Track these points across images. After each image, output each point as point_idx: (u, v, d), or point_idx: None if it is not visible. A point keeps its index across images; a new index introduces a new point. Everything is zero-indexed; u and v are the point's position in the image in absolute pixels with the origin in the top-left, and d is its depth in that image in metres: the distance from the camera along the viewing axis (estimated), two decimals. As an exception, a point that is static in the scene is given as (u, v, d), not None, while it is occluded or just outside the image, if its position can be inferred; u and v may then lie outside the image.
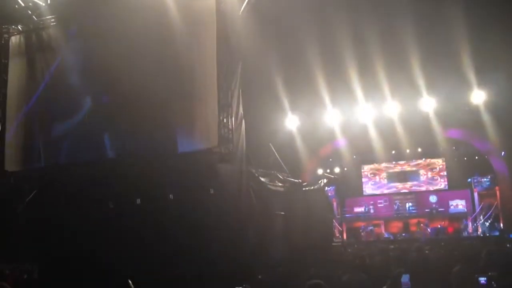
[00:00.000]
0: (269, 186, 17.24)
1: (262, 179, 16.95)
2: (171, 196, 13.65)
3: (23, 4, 15.70)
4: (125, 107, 14.57)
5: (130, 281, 6.27)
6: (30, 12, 15.78)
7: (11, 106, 16.06)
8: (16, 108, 16.03)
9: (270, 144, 18.81)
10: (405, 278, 8.33)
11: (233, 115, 15.19)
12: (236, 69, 15.55)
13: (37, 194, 14.73)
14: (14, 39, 16.29)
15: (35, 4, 15.73)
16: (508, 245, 15.41)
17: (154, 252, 13.05)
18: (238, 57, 15.66)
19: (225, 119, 14.77)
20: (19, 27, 16.25)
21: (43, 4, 15.72)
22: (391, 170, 27.80)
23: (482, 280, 7.16)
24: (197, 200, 13.62)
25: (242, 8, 15.01)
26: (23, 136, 15.87)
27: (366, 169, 27.96)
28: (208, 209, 13.83)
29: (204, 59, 14.50)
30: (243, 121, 15.74)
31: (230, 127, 14.90)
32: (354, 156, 26.03)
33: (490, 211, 24.05)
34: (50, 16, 15.76)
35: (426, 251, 13.30)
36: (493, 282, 7.12)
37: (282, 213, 17.61)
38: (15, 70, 16.17)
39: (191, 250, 13.02)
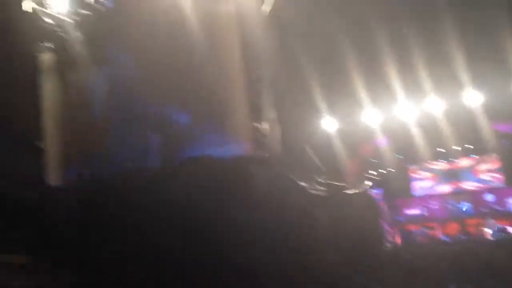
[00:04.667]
0: (310, 190, 16.95)
1: (302, 184, 16.70)
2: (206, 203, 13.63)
3: (53, 22, 16.27)
4: (161, 117, 14.82)
5: None
6: (60, 30, 16.28)
7: (48, 122, 16.58)
8: (53, 124, 16.53)
9: (307, 147, 18.55)
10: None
11: (266, 119, 15.14)
12: (264, 73, 15.51)
13: (82, 205, 15.12)
14: (45, 57, 16.85)
15: (65, 22, 16.26)
16: None
17: (187, 258, 13.11)
18: (267, 60, 15.61)
19: (258, 124, 14.79)
20: (50, 45, 16.76)
21: (72, 22, 16.23)
22: (440, 169, 26.75)
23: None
24: (232, 208, 13.56)
25: (269, 10, 14.98)
26: (63, 149, 16.36)
27: (414, 169, 27.01)
28: (244, 217, 13.74)
29: (228, 63, 14.51)
30: (277, 124, 15.64)
31: (263, 131, 14.86)
32: (400, 156, 25.26)
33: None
34: (78, 34, 16.22)
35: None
36: None
37: (326, 218, 17.31)
38: (49, 86, 16.72)
39: (231, 257, 12.95)
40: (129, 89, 15.02)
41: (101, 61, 15.50)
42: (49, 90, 16.35)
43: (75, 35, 15.80)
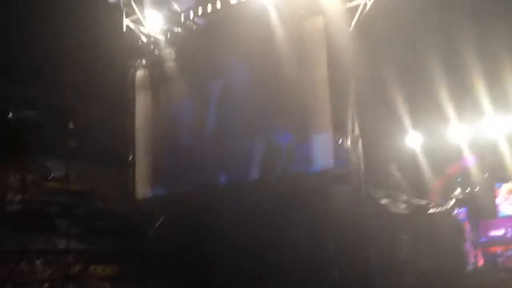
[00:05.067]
0: (391, 209, 16.56)
1: (383, 201, 16.31)
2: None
3: (145, 40, 16.92)
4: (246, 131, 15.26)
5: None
6: (152, 47, 16.90)
7: (139, 137, 17.20)
8: (144, 139, 17.11)
9: (391, 163, 18.05)
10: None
11: (349, 134, 14.89)
12: (349, 88, 15.27)
13: (167, 220, 15.68)
14: (139, 73, 17.49)
15: (156, 39, 16.84)
16: None
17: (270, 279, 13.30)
18: (350, 75, 15.38)
19: (340, 139, 14.52)
20: (143, 62, 17.41)
21: (163, 39, 16.76)
22: (529, 188, 25.30)
23: None
24: (313, 223, 13.53)
25: (353, 25, 14.76)
26: (153, 164, 16.77)
27: (501, 187, 25.66)
28: (325, 233, 13.70)
29: (315, 79, 14.51)
30: (360, 140, 15.32)
31: (346, 147, 14.56)
32: (486, 174, 24.01)
33: None
34: (169, 50, 16.75)
35: None
36: None
37: (407, 237, 16.80)
38: (141, 102, 17.38)
39: (308, 277, 13.01)
40: (233, 102, 15.45)
41: (195, 76, 16.07)
42: (142, 105, 17.06)
43: (168, 52, 16.42)
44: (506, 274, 19.50)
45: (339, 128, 14.44)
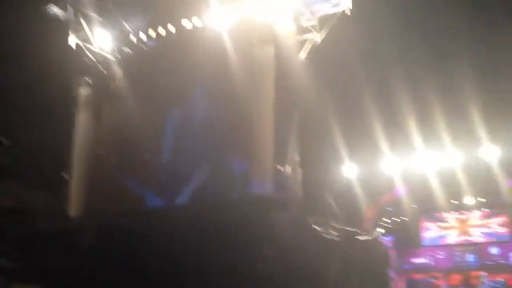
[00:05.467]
0: (324, 235, 17.01)
1: (317, 227, 16.75)
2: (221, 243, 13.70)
3: (93, 58, 16.62)
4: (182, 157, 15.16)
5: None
6: (99, 66, 16.60)
7: (79, 153, 16.66)
8: (83, 156, 16.61)
9: (326, 192, 18.60)
10: None
11: (289, 162, 15.21)
12: (293, 116, 15.66)
13: (101, 237, 15.18)
14: (83, 90, 17.06)
15: (105, 58, 16.60)
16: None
17: None
18: (295, 103, 15.78)
19: (281, 166, 14.84)
20: (89, 79, 17.00)
21: (113, 59, 16.56)
22: (451, 220, 26.75)
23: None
24: (251, 248, 13.59)
25: (302, 56, 15.18)
26: (89, 183, 16.37)
27: (426, 218, 27.00)
28: (261, 258, 13.76)
29: (262, 106, 14.73)
30: (299, 168, 15.70)
31: (286, 174, 14.88)
32: (413, 205, 25.23)
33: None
34: (117, 68, 16.50)
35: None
36: None
37: (337, 262, 17.30)
38: (83, 121, 16.90)
39: None
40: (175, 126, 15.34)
41: (140, 97, 15.82)
42: (84, 124, 16.55)
43: (116, 72, 16.14)
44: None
45: (281, 154, 14.79)
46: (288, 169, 15.12)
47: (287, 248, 14.23)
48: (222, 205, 14.21)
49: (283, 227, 14.26)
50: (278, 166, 14.75)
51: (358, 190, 22.66)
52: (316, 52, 15.26)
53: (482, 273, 24.63)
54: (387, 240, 24.16)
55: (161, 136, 15.56)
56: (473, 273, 25.00)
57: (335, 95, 17.28)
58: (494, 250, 25.53)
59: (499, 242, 25.72)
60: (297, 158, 15.79)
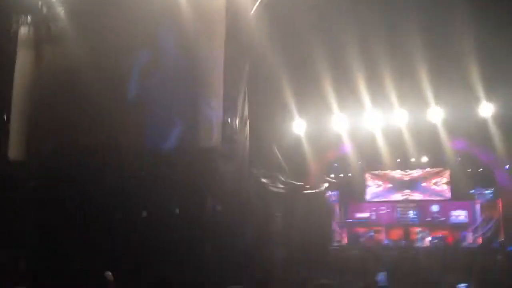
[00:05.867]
0: (270, 187, 17.39)
1: (264, 180, 17.10)
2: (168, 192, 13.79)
3: None
4: (129, 104, 14.76)
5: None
6: (40, 3, 15.64)
7: (16, 96, 15.85)
8: (21, 98, 15.82)
9: (274, 146, 18.88)
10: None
11: (238, 115, 15.36)
12: (244, 70, 15.70)
13: (40, 183, 14.80)
14: (22, 30, 16.13)
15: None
16: (499, 257, 15.52)
17: (146, 249, 13.19)
18: (246, 57, 15.80)
19: (229, 119, 15.01)
20: (28, 18, 16.05)
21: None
22: (395, 178, 27.69)
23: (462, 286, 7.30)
24: (196, 198, 13.78)
25: (254, 9, 15.08)
26: (27, 125, 15.71)
27: (370, 175, 27.86)
28: (206, 208, 13.99)
29: (212, 58, 14.50)
30: (248, 122, 15.89)
31: (234, 127, 15.05)
32: (359, 162, 25.97)
33: (491, 223, 24.04)
34: (60, 8, 15.60)
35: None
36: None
37: (280, 214, 17.71)
38: (23, 61, 16.00)
39: (187, 248, 13.17)
40: (114, 68, 14.74)
41: (79, 37, 15.07)
42: (23, 64, 15.63)
43: (58, 11, 15.23)
44: (365, 251, 21.11)
45: (230, 108, 14.86)
46: (236, 122, 15.28)
47: (232, 199, 14.56)
48: (168, 155, 14.23)
49: (229, 178, 14.51)
50: (227, 119, 14.87)
51: (306, 146, 23.15)
52: (268, 7, 15.19)
53: (422, 229, 25.72)
54: (332, 195, 24.91)
55: (111, 81, 14.80)
56: (414, 229, 26.10)
57: (286, 51, 17.28)
58: (435, 208, 26.70)
59: (440, 200, 26.87)
60: (246, 112, 15.96)
